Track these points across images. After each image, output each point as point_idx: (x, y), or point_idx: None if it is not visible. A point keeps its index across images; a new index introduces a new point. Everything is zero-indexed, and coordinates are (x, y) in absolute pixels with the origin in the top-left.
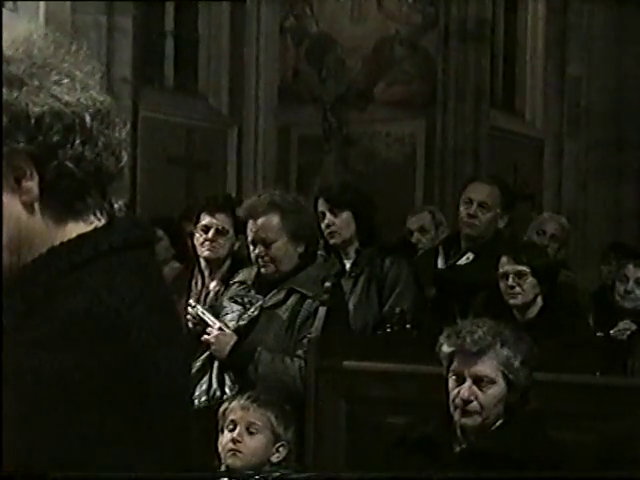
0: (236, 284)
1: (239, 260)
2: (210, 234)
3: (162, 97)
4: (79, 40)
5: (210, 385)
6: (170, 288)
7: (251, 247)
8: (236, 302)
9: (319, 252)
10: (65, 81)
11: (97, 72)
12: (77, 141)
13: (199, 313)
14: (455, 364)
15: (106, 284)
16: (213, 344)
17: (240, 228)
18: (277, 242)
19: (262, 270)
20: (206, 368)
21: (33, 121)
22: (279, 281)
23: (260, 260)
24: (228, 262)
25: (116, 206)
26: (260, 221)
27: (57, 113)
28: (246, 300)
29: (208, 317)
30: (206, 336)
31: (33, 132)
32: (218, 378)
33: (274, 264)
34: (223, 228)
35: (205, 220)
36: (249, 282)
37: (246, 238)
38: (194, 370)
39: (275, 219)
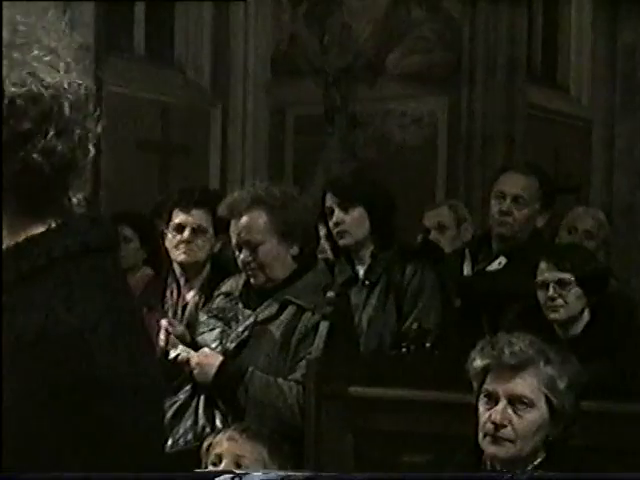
0: (221, 296)
1: (220, 264)
2: (185, 234)
3: (131, 69)
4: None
5: (196, 420)
6: (137, 301)
7: (236, 252)
8: (216, 317)
9: (321, 256)
10: (47, 58)
11: (81, 49)
12: (51, 132)
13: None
14: (488, 381)
15: (63, 299)
16: (195, 369)
17: (220, 226)
18: (265, 245)
19: (251, 280)
20: (191, 401)
21: (6, 101)
22: (272, 291)
23: (248, 268)
24: (207, 267)
25: (74, 200)
26: (243, 220)
27: (34, 96)
28: (229, 315)
29: (184, 349)
30: (187, 358)
31: (3, 115)
32: (205, 411)
33: (263, 272)
34: (200, 227)
35: (179, 218)
36: (236, 293)
37: (230, 242)
38: (177, 404)
39: (260, 217)
